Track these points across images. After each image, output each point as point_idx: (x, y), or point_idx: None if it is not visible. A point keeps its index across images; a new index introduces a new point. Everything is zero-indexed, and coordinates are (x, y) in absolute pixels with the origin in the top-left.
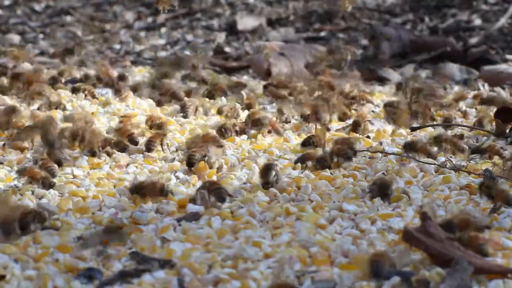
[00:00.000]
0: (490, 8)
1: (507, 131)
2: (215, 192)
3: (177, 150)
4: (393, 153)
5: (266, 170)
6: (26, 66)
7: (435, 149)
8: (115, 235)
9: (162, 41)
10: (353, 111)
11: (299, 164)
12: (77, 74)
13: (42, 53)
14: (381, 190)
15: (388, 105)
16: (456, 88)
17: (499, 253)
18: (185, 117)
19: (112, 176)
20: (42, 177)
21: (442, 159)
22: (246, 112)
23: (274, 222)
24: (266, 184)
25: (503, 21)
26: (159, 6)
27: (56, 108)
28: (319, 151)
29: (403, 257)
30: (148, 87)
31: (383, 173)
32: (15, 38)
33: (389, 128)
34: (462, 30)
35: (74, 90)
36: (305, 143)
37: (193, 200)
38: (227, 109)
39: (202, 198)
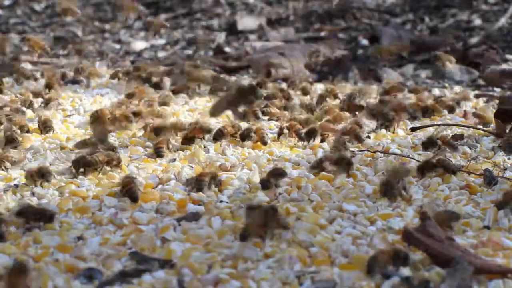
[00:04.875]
0: (490, 8)
1: (507, 131)
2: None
3: (177, 150)
4: (393, 153)
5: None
6: None
7: None
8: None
9: (162, 41)
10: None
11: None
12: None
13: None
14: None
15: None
16: (457, 88)
17: (499, 253)
18: None
19: (112, 176)
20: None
21: None
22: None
23: None
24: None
25: (503, 21)
26: (124, 15)
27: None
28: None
29: None
30: None
31: (383, 173)
32: (15, 38)
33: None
34: (462, 30)
35: None
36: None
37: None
38: None
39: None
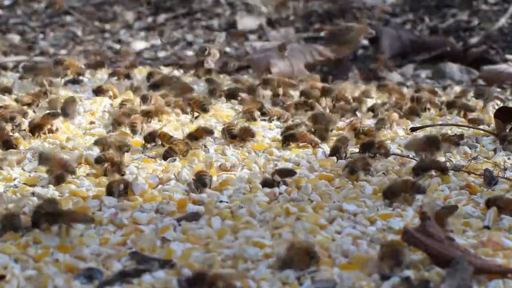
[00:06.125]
0: (490, 8)
1: (507, 131)
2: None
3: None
4: (393, 153)
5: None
6: None
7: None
8: None
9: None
10: None
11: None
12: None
13: (42, 53)
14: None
15: None
16: (457, 88)
17: (499, 253)
18: None
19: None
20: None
21: (442, 159)
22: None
23: (274, 222)
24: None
25: (503, 21)
26: None
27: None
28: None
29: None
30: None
31: (383, 173)
32: (15, 38)
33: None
34: (462, 30)
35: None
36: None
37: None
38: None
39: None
